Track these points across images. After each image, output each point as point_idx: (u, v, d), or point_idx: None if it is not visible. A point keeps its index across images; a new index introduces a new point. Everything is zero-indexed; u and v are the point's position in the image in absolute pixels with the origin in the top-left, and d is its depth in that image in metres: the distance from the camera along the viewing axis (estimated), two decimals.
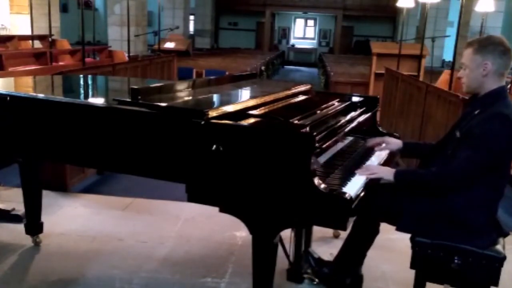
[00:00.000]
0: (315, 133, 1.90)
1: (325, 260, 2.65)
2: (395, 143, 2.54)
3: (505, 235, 2.19)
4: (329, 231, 3.26)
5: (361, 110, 2.80)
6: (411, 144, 2.58)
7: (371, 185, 2.16)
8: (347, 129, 2.42)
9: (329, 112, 2.50)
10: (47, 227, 3.10)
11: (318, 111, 2.45)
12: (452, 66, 5.74)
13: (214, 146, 1.90)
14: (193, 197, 2.01)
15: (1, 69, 7.19)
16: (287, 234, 2.38)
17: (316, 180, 1.81)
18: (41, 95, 2.52)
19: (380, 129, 2.95)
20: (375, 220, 2.34)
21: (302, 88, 2.93)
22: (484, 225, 2.09)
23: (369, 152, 2.59)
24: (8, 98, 2.45)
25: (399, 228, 2.19)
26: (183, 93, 2.57)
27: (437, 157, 2.26)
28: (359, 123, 2.63)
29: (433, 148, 2.39)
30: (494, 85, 2.10)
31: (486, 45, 2.08)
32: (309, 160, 1.81)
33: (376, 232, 2.40)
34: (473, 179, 2.05)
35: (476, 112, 2.12)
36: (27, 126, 2.42)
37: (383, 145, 2.54)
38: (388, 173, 2.17)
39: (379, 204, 2.24)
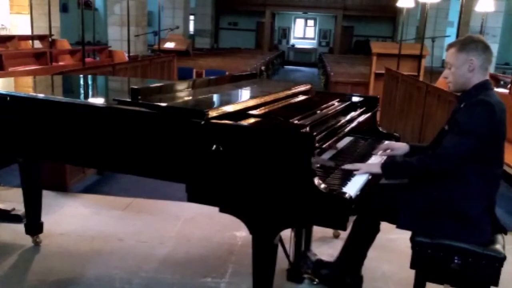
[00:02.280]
0: (315, 133, 1.90)
1: (324, 261, 2.65)
2: (401, 148, 2.53)
3: (503, 231, 2.20)
4: (329, 231, 3.26)
5: (361, 110, 2.79)
6: (416, 147, 2.57)
7: (371, 185, 2.16)
8: (347, 129, 2.41)
9: (329, 112, 2.50)
10: (47, 227, 3.10)
11: (318, 111, 2.45)
12: None
13: (214, 146, 1.90)
14: (193, 197, 2.00)
15: (1, 69, 7.18)
16: (287, 234, 2.38)
17: (316, 180, 1.81)
18: (41, 95, 2.52)
19: (380, 129, 2.95)
20: (375, 219, 2.35)
21: (302, 88, 2.93)
22: (482, 216, 2.12)
23: (369, 152, 2.59)
24: (8, 98, 2.45)
25: (399, 226, 2.20)
26: (183, 93, 2.56)
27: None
28: (359, 123, 2.63)
29: (429, 146, 2.42)
30: (479, 79, 2.19)
31: (468, 42, 2.18)
32: (309, 160, 1.81)
33: (376, 230, 2.41)
34: (459, 164, 2.09)
35: (462, 105, 2.20)
36: (27, 126, 2.42)
37: (388, 151, 2.52)
38: (375, 167, 2.22)
39: (379, 203, 2.26)
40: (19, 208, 3.20)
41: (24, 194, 2.98)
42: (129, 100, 2.18)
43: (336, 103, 2.75)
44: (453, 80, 2.23)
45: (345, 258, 2.50)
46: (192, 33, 23.07)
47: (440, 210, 2.13)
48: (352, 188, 1.99)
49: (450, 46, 2.24)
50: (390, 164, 2.26)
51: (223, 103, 2.40)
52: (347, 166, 2.21)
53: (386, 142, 2.68)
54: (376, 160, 2.48)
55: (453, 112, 2.30)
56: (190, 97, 2.51)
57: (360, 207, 2.05)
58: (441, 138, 2.26)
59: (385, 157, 2.55)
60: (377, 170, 2.20)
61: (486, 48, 2.18)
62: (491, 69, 12.83)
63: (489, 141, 2.08)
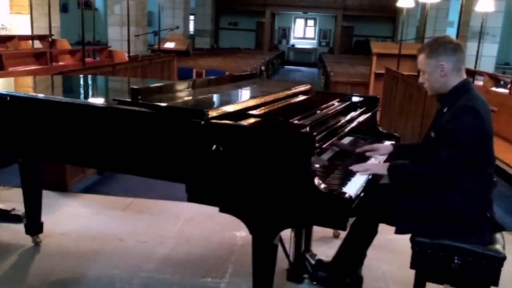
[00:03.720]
0: (315, 133, 1.91)
1: (324, 262, 2.64)
2: (385, 148, 2.54)
3: (501, 228, 2.20)
4: (329, 231, 3.26)
5: (361, 110, 2.79)
6: (400, 146, 2.60)
7: (371, 185, 2.16)
8: (347, 129, 2.41)
9: (329, 112, 2.50)
10: (47, 227, 3.10)
11: (318, 111, 2.45)
12: None
13: (214, 146, 1.90)
14: (193, 197, 2.01)
15: (1, 69, 7.18)
16: (287, 234, 2.38)
17: (316, 180, 1.81)
18: (41, 95, 2.52)
19: (380, 129, 2.95)
20: (375, 219, 2.35)
21: (302, 88, 2.93)
22: (480, 217, 2.11)
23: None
24: (8, 98, 2.45)
25: (398, 231, 2.20)
26: (183, 93, 2.57)
27: (421, 158, 2.28)
28: (359, 123, 2.63)
29: (417, 148, 2.44)
30: (456, 81, 2.17)
31: (436, 47, 2.16)
32: (309, 160, 1.81)
33: (374, 232, 2.41)
34: (460, 172, 2.09)
35: (445, 110, 2.19)
36: (27, 126, 2.42)
37: (370, 153, 2.49)
38: (382, 168, 2.23)
39: (378, 205, 2.25)
40: (19, 208, 3.20)
41: (24, 194, 2.98)
42: (129, 100, 2.18)
43: (336, 103, 2.75)
44: (429, 86, 2.24)
45: (342, 259, 2.49)
46: (192, 33, 23.07)
47: (438, 215, 2.13)
48: (352, 188, 1.99)
49: (419, 51, 2.23)
50: (395, 167, 2.23)
51: (223, 103, 2.40)
52: (356, 167, 2.20)
53: (370, 145, 2.57)
54: (376, 161, 2.48)
55: (437, 115, 2.30)
56: (190, 97, 2.51)
57: (360, 208, 2.04)
58: (427, 144, 2.26)
59: (384, 157, 2.55)
60: (384, 172, 2.20)
61: (455, 49, 2.16)
62: (492, 68, 12.85)
63: (479, 145, 2.09)
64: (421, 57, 2.20)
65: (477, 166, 2.11)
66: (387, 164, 2.25)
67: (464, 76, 2.20)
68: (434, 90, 2.24)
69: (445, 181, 2.12)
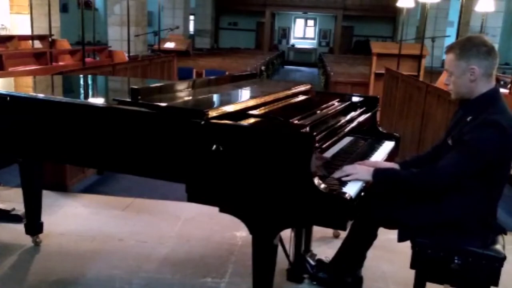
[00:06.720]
0: (315, 133, 1.90)
1: (324, 263, 2.64)
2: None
3: (503, 231, 2.17)
4: (329, 231, 3.26)
5: (361, 110, 2.79)
6: (406, 163, 2.38)
7: (371, 187, 2.15)
8: (347, 129, 2.41)
9: (329, 112, 2.50)
10: (47, 227, 3.10)
11: (318, 111, 2.45)
12: None
13: (214, 146, 1.90)
14: (193, 197, 2.00)
15: (1, 69, 7.18)
16: (287, 234, 2.38)
17: (316, 180, 1.81)
18: (41, 95, 2.52)
19: (380, 129, 2.95)
20: (374, 225, 2.32)
21: (302, 88, 2.93)
22: (480, 228, 2.08)
23: (369, 152, 2.59)
24: (8, 98, 2.45)
25: (400, 240, 2.17)
26: (183, 93, 2.56)
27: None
28: (359, 123, 2.63)
29: (430, 154, 2.34)
30: (485, 88, 2.02)
31: (468, 48, 1.98)
32: (309, 160, 1.81)
33: (374, 236, 2.38)
34: (458, 183, 2.00)
35: (468, 119, 2.03)
36: (27, 126, 2.42)
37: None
38: (366, 174, 2.04)
39: (377, 213, 2.22)
40: (19, 208, 3.21)
41: (24, 194, 2.98)
42: (129, 100, 2.18)
43: (336, 103, 2.75)
44: (455, 89, 2.07)
45: (342, 260, 2.49)
46: (192, 33, 23.08)
47: (440, 226, 2.09)
48: (352, 188, 1.98)
49: (449, 50, 2.04)
50: (382, 173, 2.10)
51: (223, 103, 2.40)
52: (337, 173, 2.06)
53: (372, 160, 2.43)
54: (378, 158, 2.43)
55: (457, 121, 2.14)
56: (190, 97, 2.51)
57: (359, 212, 2.02)
58: (442, 151, 2.13)
59: (384, 157, 2.54)
60: (368, 178, 2.04)
61: (488, 53, 1.98)
62: None
63: (497, 163, 1.98)
64: (450, 57, 2.02)
65: (488, 180, 2.02)
66: (372, 169, 2.06)
67: (493, 83, 2.03)
68: (459, 94, 2.06)
69: (445, 190, 2.04)
